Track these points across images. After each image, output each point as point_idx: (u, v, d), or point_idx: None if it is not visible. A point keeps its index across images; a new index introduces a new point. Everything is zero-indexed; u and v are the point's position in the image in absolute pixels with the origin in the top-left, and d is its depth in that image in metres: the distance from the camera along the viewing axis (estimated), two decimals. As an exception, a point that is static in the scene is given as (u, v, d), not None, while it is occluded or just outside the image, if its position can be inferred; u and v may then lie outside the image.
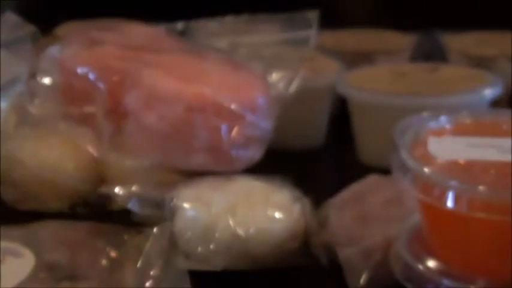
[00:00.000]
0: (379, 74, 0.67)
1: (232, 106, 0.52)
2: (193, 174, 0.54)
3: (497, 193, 0.38)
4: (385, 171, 0.47)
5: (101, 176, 0.58)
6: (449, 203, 0.39)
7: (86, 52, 0.55)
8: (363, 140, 0.66)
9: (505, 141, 0.42)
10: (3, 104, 0.56)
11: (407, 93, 0.63)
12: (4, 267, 0.43)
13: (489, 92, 0.62)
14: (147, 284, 0.43)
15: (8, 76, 0.56)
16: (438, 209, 0.40)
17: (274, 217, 0.49)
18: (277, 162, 0.57)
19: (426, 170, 0.40)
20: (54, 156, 0.57)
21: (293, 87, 0.58)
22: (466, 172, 0.40)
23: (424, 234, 0.44)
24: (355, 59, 0.80)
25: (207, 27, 0.66)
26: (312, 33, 0.62)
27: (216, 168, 0.54)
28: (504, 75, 0.71)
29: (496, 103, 0.65)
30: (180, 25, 0.66)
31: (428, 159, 0.41)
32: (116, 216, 0.54)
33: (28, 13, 0.66)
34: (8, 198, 0.58)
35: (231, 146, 0.53)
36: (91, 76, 0.54)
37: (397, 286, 0.43)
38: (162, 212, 0.50)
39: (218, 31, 0.65)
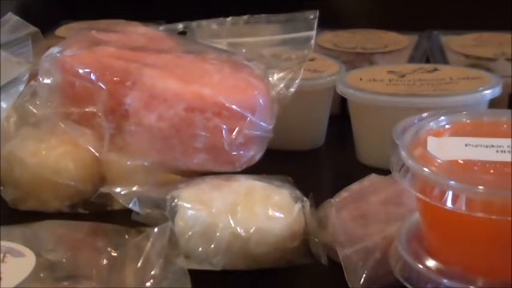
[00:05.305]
0: (379, 74, 0.68)
1: (233, 106, 0.53)
2: (193, 174, 0.54)
3: (496, 193, 0.38)
4: (385, 171, 0.47)
5: (101, 176, 0.58)
6: (449, 203, 0.39)
7: (87, 52, 0.55)
8: (363, 140, 0.66)
9: (504, 141, 0.42)
10: (4, 104, 0.56)
11: (407, 93, 0.63)
12: (5, 266, 0.43)
13: (489, 92, 0.62)
14: (148, 284, 0.43)
15: (8, 76, 0.56)
16: (437, 208, 0.40)
17: (274, 217, 0.49)
18: (277, 162, 0.57)
19: (426, 170, 0.40)
20: (55, 156, 0.57)
21: (293, 88, 0.58)
22: (466, 172, 0.40)
23: (424, 233, 0.44)
24: (355, 59, 0.80)
25: (208, 28, 0.66)
26: (312, 34, 0.62)
27: (216, 168, 0.54)
28: (504, 75, 0.71)
29: (495, 103, 0.65)
30: (180, 25, 0.66)
31: (427, 159, 0.41)
32: (116, 216, 0.54)
33: (28, 13, 0.66)
34: (8, 198, 0.58)
35: (231, 146, 0.53)
36: (91, 76, 0.54)
37: (397, 286, 0.43)
38: (162, 212, 0.50)
39: (218, 32, 0.65)
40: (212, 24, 0.66)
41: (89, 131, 0.56)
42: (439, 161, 0.40)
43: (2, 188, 0.58)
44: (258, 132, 0.54)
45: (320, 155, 0.70)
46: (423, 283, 0.41)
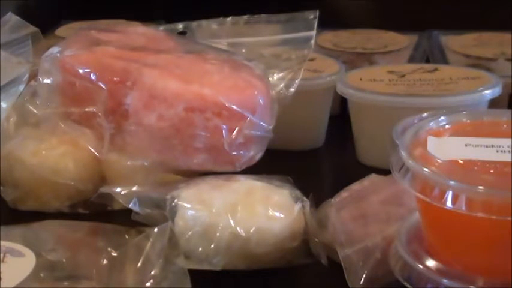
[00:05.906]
0: (379, 74, 0.68)
1: (233, 106, 0.53)
2: (193, 174, 0.54)
3: (496, 193, 0.38)
4: (385, 171, 0.47)
5: (101, 176, 0.58)
6: (449, 203, 0.39)
7: (87, 52, 0.55)
8: (363, 140, 0.66)
9: (504, 141, 0.42)
10: (4, 104, 0.56)
11: (407, 93, 0.63)
12: (5, 266, 0.43)
13: (489, 92, 0.62)
14: (148, 284, 0.43)
15: (8, 76, 0.56)
16: (438, 208, 0.40)
17: (274, 217, 0.49)
18: (277, 162, 0.57)
19: (426, 170, 0.40)
20: (55, 156, 0.57)
21: (293, 88, 0.58)
22: (466, 172, 0.40)
23: (424, 233, 0.44)
24: (355, 59, 0.80)
25: (208, 28, 0.66)
26: (312, 34, 0.62)
27: (216, 168, 0.54)
28: (504, 75, 0.71)
29: (495, 103, 0.65)
30: (180, 25, 0.66)
31: (427, 159, 0.41)
32: (116, 216, 0.54)
33: (28, 13, 0.66)
34: (8, 198, 0.58)
35: (231, 146, 0.53)
36: (91, 76, 0.54)
37: (397, 286, 0.43)
38: (162, 212, 0.50)
39: (218, 32, 0.65)
40: (212, 24, 0.66)
41: (89, 131, 0.56)
42: (439, 161, 0.40)
43: (2, 188, 0.58)
44: (258, 132, 0.54)
45: (320, 155, 0.70)
46: (423, 283, 0.41)
